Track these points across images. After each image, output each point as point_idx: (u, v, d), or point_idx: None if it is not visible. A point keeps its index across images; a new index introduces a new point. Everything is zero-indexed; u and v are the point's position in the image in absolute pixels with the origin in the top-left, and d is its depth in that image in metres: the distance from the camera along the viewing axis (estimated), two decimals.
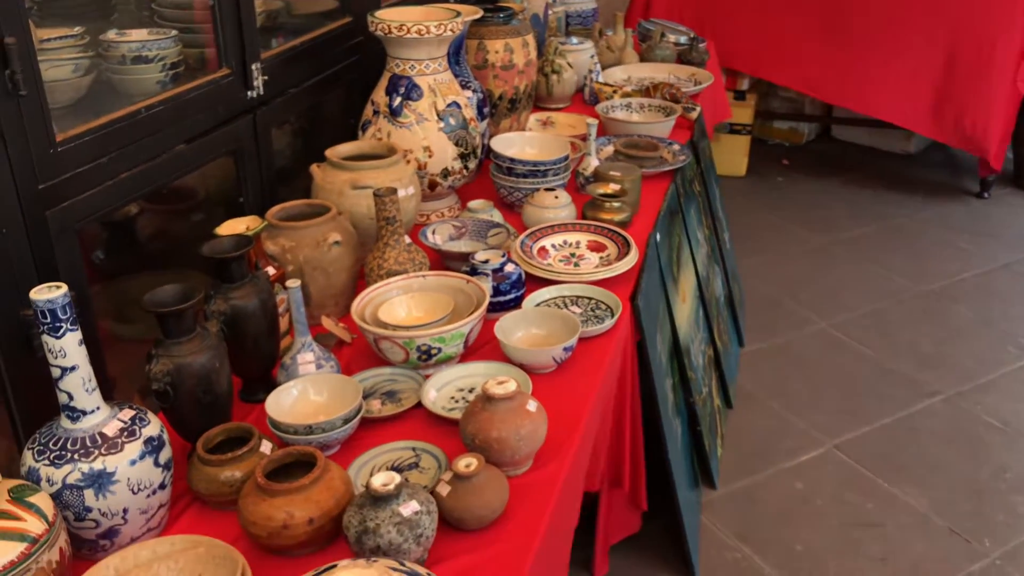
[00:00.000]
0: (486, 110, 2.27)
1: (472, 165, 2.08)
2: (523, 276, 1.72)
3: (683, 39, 3.45)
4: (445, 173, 2.02)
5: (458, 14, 1.99)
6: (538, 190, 2.05)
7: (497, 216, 2.00)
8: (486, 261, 1.68)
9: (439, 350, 1.45)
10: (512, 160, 2.10)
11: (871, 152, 4.63)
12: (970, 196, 4.11)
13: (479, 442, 1.21)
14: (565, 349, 1.51)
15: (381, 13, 1.99)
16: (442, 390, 1.45)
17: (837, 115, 4.56)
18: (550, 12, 3.26)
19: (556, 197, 2.02)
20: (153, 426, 1.15)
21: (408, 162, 1.90)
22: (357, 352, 1.60)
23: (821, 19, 3.85)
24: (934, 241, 3.69)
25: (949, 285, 3.34)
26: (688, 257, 2.40)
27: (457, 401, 1.44)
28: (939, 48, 3.77)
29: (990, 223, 3.84)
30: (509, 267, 1.70)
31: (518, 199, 2.12)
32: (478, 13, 2.21)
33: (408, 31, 1.90)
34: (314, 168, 1.86)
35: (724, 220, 3.04)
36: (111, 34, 1.67)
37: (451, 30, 1.93)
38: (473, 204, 2.01)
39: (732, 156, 4.22)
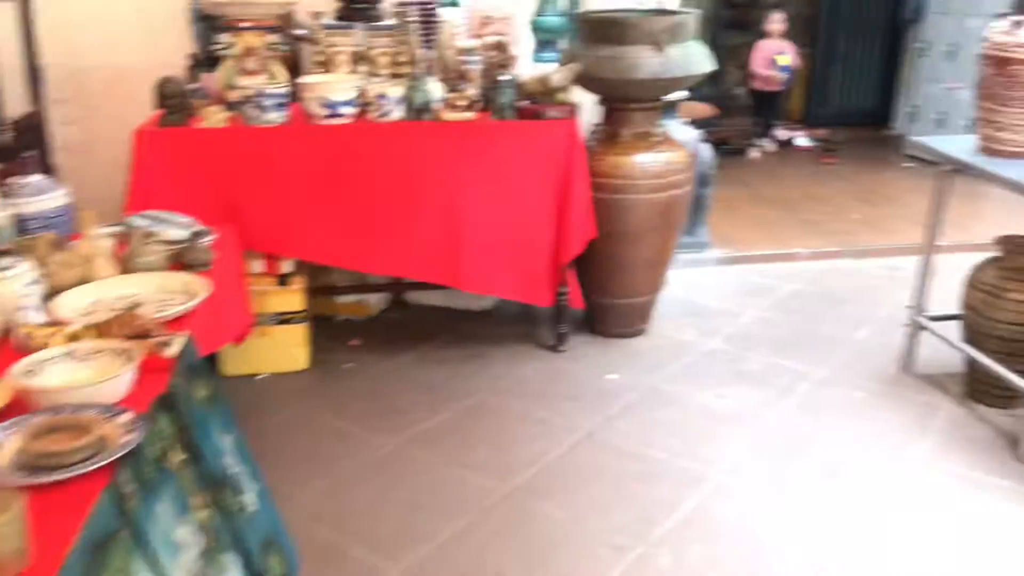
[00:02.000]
0: None
1: None
2: None
3: (184, 234, 2.78)
4: None
5: None
6: None
7: None
8: None
9: None
10: None
11: (448, 314, 4.30)
12: (546, 351, 3.88)
13: None
14: None
15: None
16: None
17: (408, 279, 4.18)
18: None
19: None
20: None
21: None
22: None
23: (323, 187, 3.42)
24: (516, 417, 3.33)
25: (535, 475, 2.95)
26: None
27: None
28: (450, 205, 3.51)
29: (569, 382, 3.60)
30: None
31: None
32: None
33: None
34: None
35: (248, 469, 2.34)
36: None
37: None
38: None
39: (286, 349, 3.59)
